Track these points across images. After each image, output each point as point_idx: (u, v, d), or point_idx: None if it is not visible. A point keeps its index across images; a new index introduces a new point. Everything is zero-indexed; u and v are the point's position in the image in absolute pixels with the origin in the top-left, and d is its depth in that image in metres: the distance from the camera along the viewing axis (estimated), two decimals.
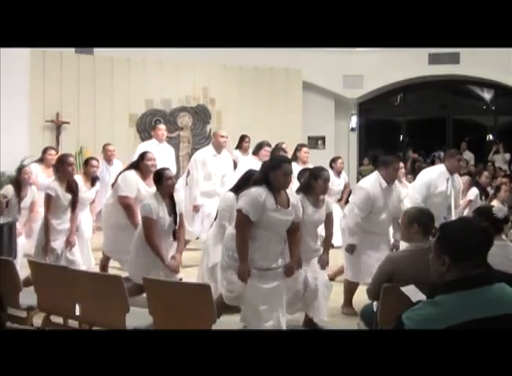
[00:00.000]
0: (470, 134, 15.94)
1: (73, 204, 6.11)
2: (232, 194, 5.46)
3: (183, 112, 12.60)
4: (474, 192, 8.37)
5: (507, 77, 13.42)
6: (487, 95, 15.59)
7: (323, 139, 14.01)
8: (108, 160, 8.68)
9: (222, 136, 7.62)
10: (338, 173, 8.80)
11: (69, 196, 6.05)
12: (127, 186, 6.21)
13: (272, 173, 4.48)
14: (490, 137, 16.04)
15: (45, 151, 7.92)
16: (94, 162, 7.00)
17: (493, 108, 15.55)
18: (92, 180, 6.90)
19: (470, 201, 8.25)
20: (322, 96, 14.33)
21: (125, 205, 6.20)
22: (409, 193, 6.66)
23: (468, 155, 14.09)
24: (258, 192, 4.44)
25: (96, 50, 11.49)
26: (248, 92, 13.14)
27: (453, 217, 6.40)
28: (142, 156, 6.42)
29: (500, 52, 12.00)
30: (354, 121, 15.11)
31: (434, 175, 6.52)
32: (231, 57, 11.77)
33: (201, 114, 12.76)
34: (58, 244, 6.03)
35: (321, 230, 5.66)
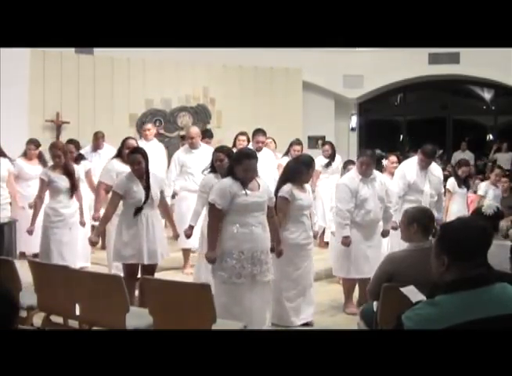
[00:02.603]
0: (470, 134, 15.94)
1: (73, 185, 6.43)
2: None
3: (183, 112, 12.58)
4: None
5: (507, 77, 13.41)
6: (487, 95, 15.59)
7: (323, 138, 13.97)
8: (97, 147, 8.75)
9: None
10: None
11: (65, 178, 6.35)
12: (105, 173, 6.50)
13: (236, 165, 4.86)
14: (490, 137, 16.04)
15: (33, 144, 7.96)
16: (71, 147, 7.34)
17: (493, 108, 15.55)
18: (76, 159, 7.27)
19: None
20: (322, 96, 14.33)
21: (96, 189, 6.60)
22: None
23: (468, 155, 14.08)
24: (226, 182, 4.83)
25: (96, 50, 11.48)
26: (248, 92, 13.13)
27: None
28: (123, 143, 6.54)
29: (500, 52, 11.98)
30: (354, 121, 15.11)
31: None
32: (231, 57, 11.75)
33: (201, 114, 12.74)
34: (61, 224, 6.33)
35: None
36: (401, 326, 2.12)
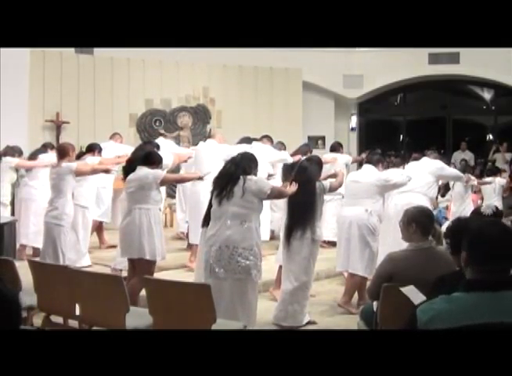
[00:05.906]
0: (470, 134, 15.93)
1: None
2: None
3: (183, 112, 12.59)
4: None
5: (507, 77, 13.42)
6: (487, 95, 15.59)
7: (323, 138, 14.00)
8: None
9: None
10: None
11: None
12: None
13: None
14: (490, 137, 16.03)
15: (48, 148, 7.98)
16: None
17: (493, 108, 15.55)
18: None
19: None
20: (322, 96, 14.34)
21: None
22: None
23: (468, 155, 14.09)
24: None
25: (96, 50, 11.49)
26: (248, 92, 13.14)
27: None
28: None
29: (500, 52, 12.00)
30: (354, 121, 15.11)
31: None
32: (231, 57, 11.76)
33: (201, 114, 12.75)
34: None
35: None
36: (414, 319, 2.07)
